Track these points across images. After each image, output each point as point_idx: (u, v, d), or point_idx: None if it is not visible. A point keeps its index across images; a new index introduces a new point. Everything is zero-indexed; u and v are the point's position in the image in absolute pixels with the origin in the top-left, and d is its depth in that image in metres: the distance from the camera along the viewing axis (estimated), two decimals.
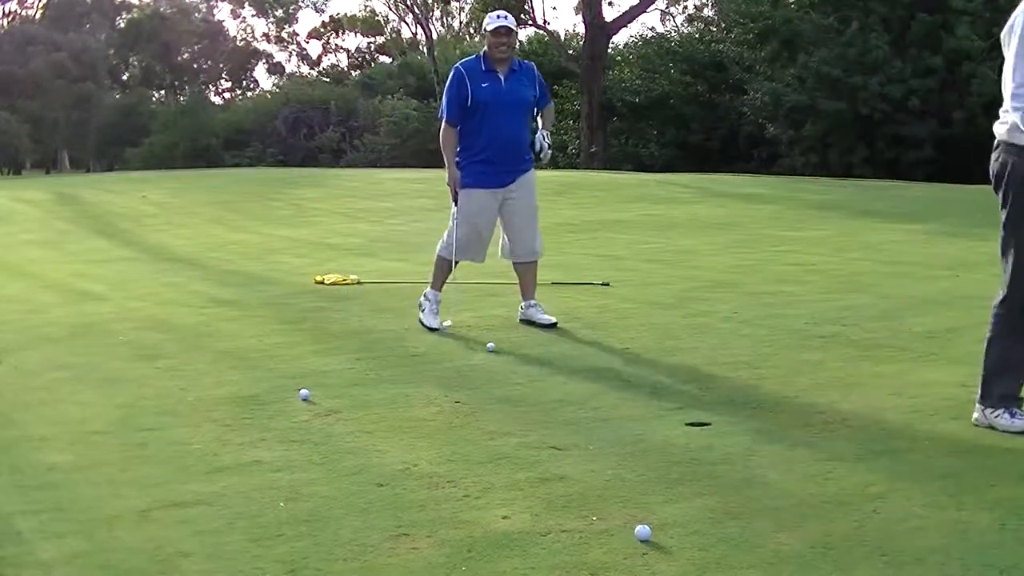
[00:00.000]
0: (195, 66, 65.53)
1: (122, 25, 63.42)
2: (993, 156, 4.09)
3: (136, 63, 64.14)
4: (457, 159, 6.31)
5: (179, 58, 63.83)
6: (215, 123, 43.87)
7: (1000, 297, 4.11)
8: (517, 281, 6.58)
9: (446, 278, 6.50)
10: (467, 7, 48.07)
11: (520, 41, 46.14)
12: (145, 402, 4.90)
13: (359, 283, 8.28)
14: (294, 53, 69.58)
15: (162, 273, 9.67)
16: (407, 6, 43.92)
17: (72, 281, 9.42)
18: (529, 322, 6.42)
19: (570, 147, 33.53)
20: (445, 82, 6.36)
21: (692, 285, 7.88)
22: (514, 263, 6.56)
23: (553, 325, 6.32)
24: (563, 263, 9.19)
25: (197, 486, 3.69)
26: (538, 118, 6.53)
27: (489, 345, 5.78)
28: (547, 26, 42.19)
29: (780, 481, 3.59)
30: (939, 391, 4.67)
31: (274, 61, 68.13)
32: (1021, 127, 3.88)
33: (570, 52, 38.34)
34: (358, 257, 10.46)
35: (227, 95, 65.79)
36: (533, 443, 4.10)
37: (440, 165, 6.48)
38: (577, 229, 12.37)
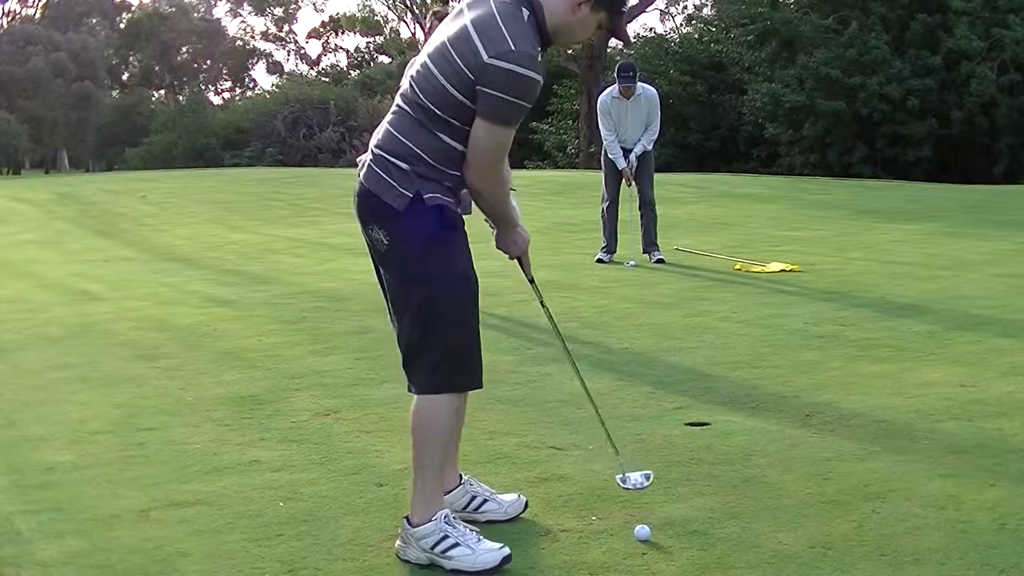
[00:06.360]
0: (194, 66, 65.63)
1: (122, 25, 63.49)
2: None
3: (135, 63, 64.22)
4: None
5: (178, 58, 63.93)
6: (214, 123, 43.82)
7: None
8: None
9: None
10: None
11: None
12: (144, 402, 4.90)
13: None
14: (293, 52, 69.73)
15: (161, 273, 9.66)
16: (406, 6, 43.88)
17: (71, 281, 9.42)
18: None
19: (569, 147, 33.53)
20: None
21: (692, 285, 7.88)
22: None
23: None
24: (561, 263, 9.20)
25: (196, 486, 3.69)
26: None
27: None
28: None
29: (780, 481, 3.58)
30: (939, 391, 4.67)
31: (273, 60, 68.26)
32: None
33: (569, 52, 38.33)
34: (357, 257, 10.41)
35: (226, 95, 65.88)
36: (533, 443, 4.10)
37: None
38: (576, 229, 12.37)
